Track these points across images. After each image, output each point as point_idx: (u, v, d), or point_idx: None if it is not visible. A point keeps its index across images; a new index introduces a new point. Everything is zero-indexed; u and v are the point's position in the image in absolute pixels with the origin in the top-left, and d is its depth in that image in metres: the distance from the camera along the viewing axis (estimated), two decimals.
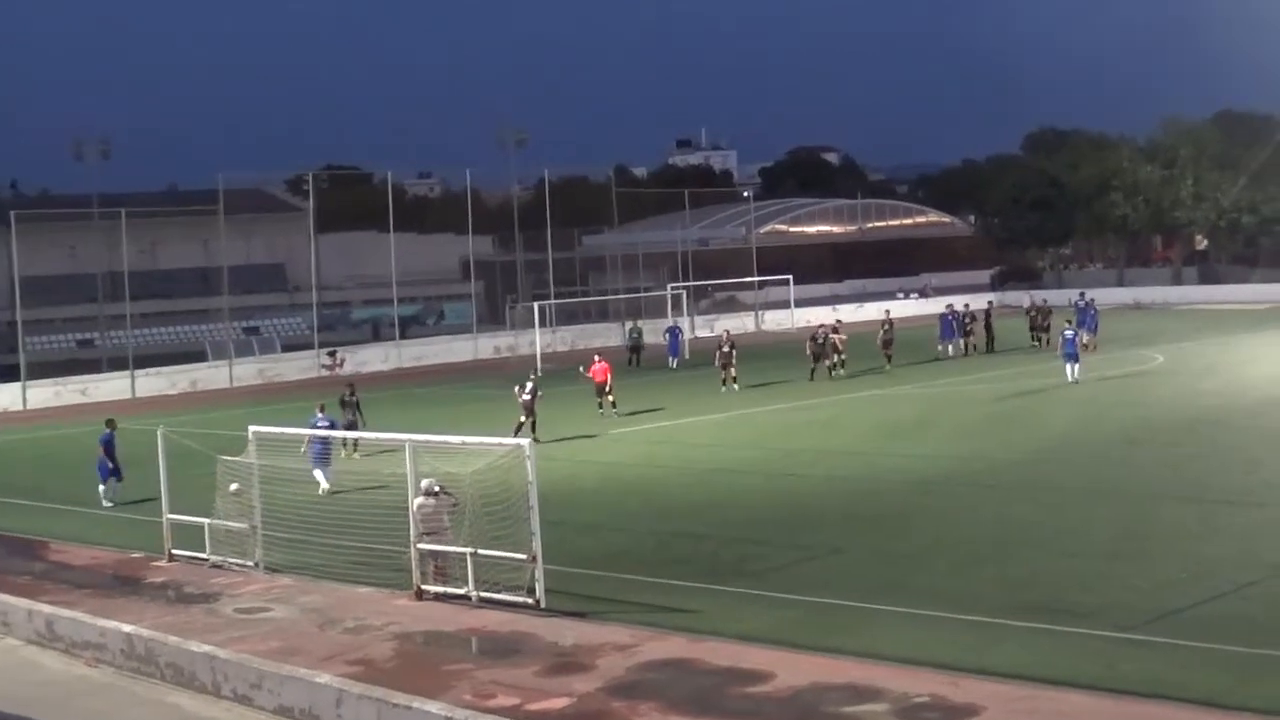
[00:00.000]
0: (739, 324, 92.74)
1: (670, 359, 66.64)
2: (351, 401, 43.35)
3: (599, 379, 48.70)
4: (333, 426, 36.69)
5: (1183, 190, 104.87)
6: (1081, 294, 69.67)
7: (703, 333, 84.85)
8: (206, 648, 21.53)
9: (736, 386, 54.19)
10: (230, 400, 63.75)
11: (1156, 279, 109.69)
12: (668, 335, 69.40)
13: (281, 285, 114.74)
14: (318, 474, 34.02)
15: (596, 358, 49.98)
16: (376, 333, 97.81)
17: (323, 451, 34.07)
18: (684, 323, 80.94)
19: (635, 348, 70.37)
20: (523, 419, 43.14)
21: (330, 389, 62.89)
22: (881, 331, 61.12)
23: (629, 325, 74.94)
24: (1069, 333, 52.94)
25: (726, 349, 55.47)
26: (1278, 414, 41.70)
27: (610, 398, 48.34)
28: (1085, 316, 63.61)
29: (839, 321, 62.21)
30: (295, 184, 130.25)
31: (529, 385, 44.04)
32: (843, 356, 57.78)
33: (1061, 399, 47.79)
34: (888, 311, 66.06)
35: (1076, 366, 51.85)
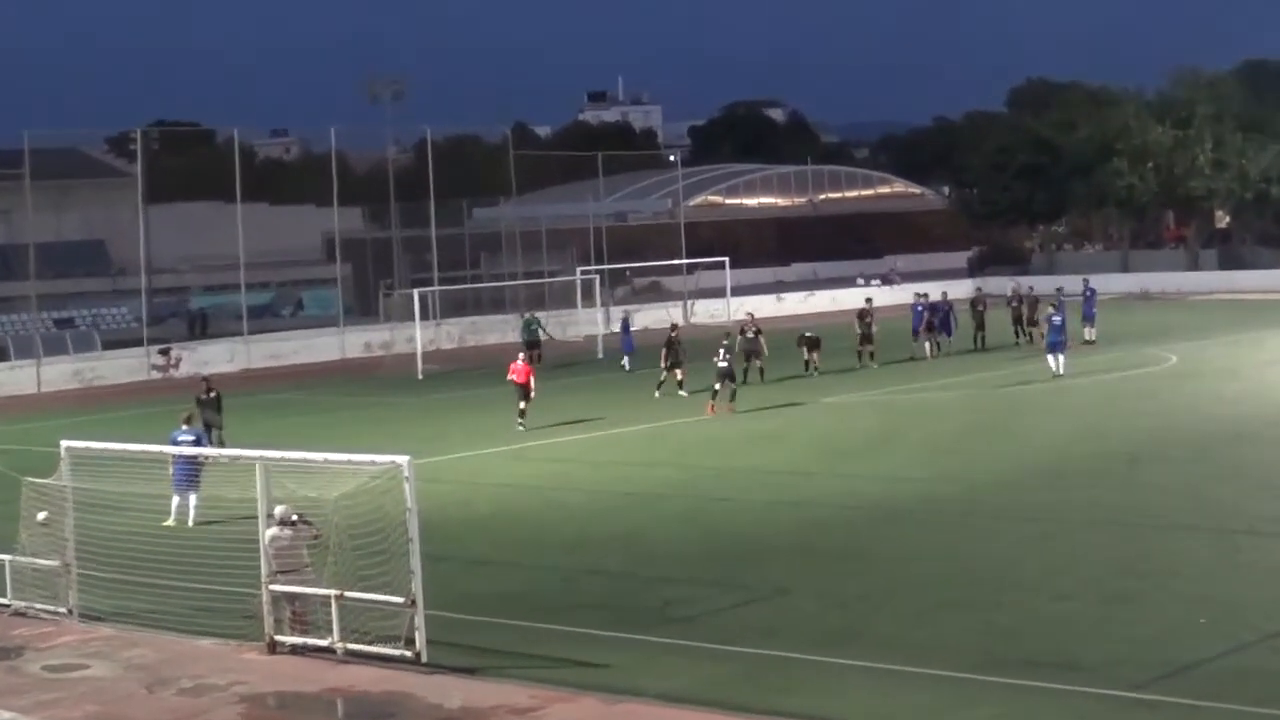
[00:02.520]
0: (664, 316, 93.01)
1: (625, 357, 65.55)
2: (210, 400, 43.74)
3: (521, 380, 48.36)
4: (199, 442, 36.47)
5: (1200, 156, 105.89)
6: (1085, 280, 70.72)
7: (619, 326, 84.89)
8: (7, 715, 21.30)
9: (684, 392, 53.72)
10: (38, 409, 63.13)
11: (1168, 263, 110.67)
12: (621, 329, 68.62)
13: (102, 267, 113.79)
14: (178, 500, 34.03)
15: (521, 356, 50.01)
16: (204, 325, 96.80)
17: (189, 473, 33.87)
18: (599, 315, 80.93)
19: (533, 344, 70.15)
20: (718, 386, 49.32)
21: (162, 394, 62.58)
22: (860, 324, 61.78)
23: (525, 317, 74.76)
24: (1056, 319, 55.31)
25: (677, 346, 55.24)
26: None
27: (522, 405, 47.94)
28: (1088, 306, 66.24)
29: (806, 335, 62.14)
30: (119, 143, 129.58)
31: (721, 351, 49.53)
32: (816, 362, 58.94)
33: (1052, 408, 48.19)
34: (869, 300, 66.62)
35: (1062, 358, 54.38)
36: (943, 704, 20.30)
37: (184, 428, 36.91)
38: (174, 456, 32.70)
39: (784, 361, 58.80)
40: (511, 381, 48.82)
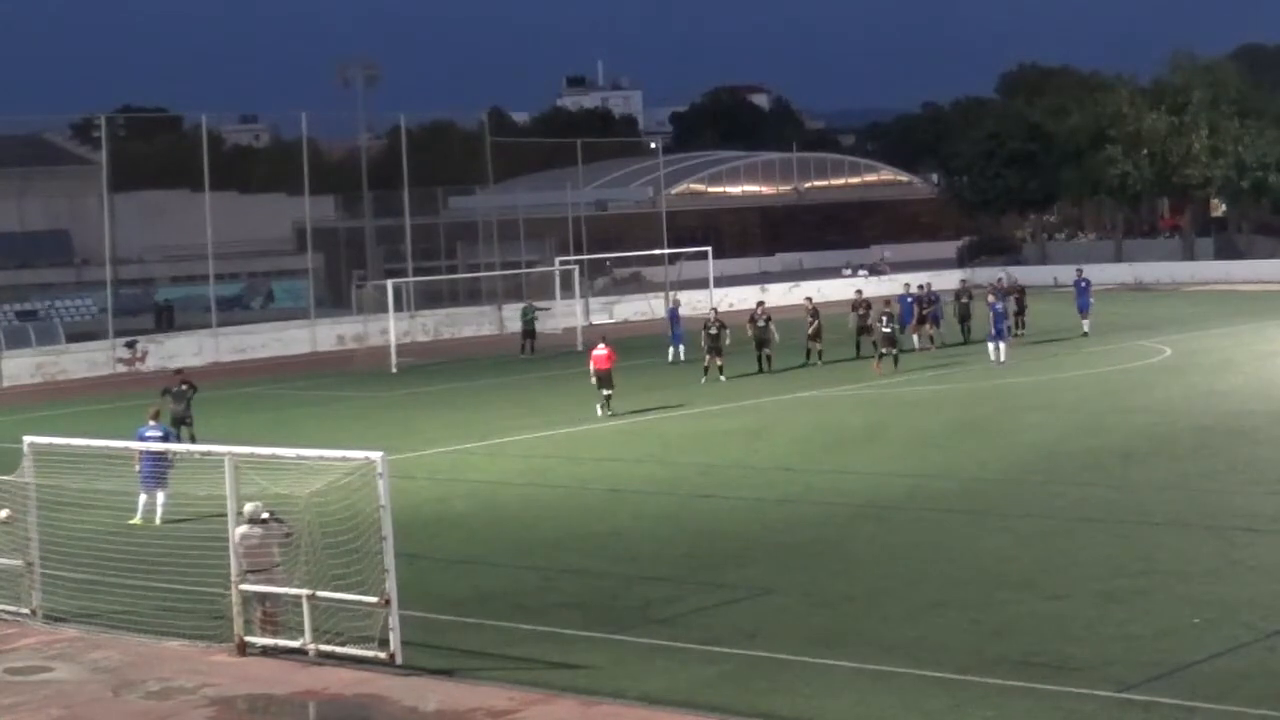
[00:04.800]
0: (645, 307, 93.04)
1: (673, 349, 64.48)
2: (181, 391, 43.82)
3: (599, 366, 49.07)
4: (167, 438, 36.39)
5: (1196, 143, 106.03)
6: (1078, 270, 71.29)
7: (599, 318, 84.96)
8: None
9: (723, 377, 55.94)
10: None
11: (1163, 252, 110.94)
12: (670, 317, 67.22)
13: (66, 258, 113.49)
14: (146, 499, 33.99)
15: (602, 341, 50.59)
16: (170, 318, 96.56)
17: (156, 471, 33.80)
18: (578, 306, 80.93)
19: (530, 333, 71.41)
20: (884, 350, 56.97)
21: (128, 389, 62.50)
22: (855, 315, 62.19)
23: (524, 305, 75.41)
24: (998, 306, 58.16)
25: (714, 330, 56.78)
26: None
27: (607, 394, 48.91)
28: (1083, 297, 67.96)
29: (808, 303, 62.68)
30: (83, 129, 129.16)
31: (885, 319, 57.19)
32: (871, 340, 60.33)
33: (1043, 402, 48.26)
34: (859, 291, 67.13)
35: (1003, 346, 57.34)
36: (932, 706, 20.33)
37: (151, 423, 36.89)
38: (140, 453, 32.70)
39: (790, 352, 60.00)
40: (593, 370, 49.51)
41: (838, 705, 20.55)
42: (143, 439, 34.69)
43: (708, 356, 56.80)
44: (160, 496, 34.02)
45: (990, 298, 59.96)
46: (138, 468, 33.41)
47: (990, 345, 57.65)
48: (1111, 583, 25.96)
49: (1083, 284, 68.35)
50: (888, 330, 57.38)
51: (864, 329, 61.89)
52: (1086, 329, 66.62)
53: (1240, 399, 46.76)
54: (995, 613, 24.58)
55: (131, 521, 32.94)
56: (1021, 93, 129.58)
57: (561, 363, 66.24)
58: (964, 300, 67.20)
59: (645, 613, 25.69)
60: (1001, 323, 58.01)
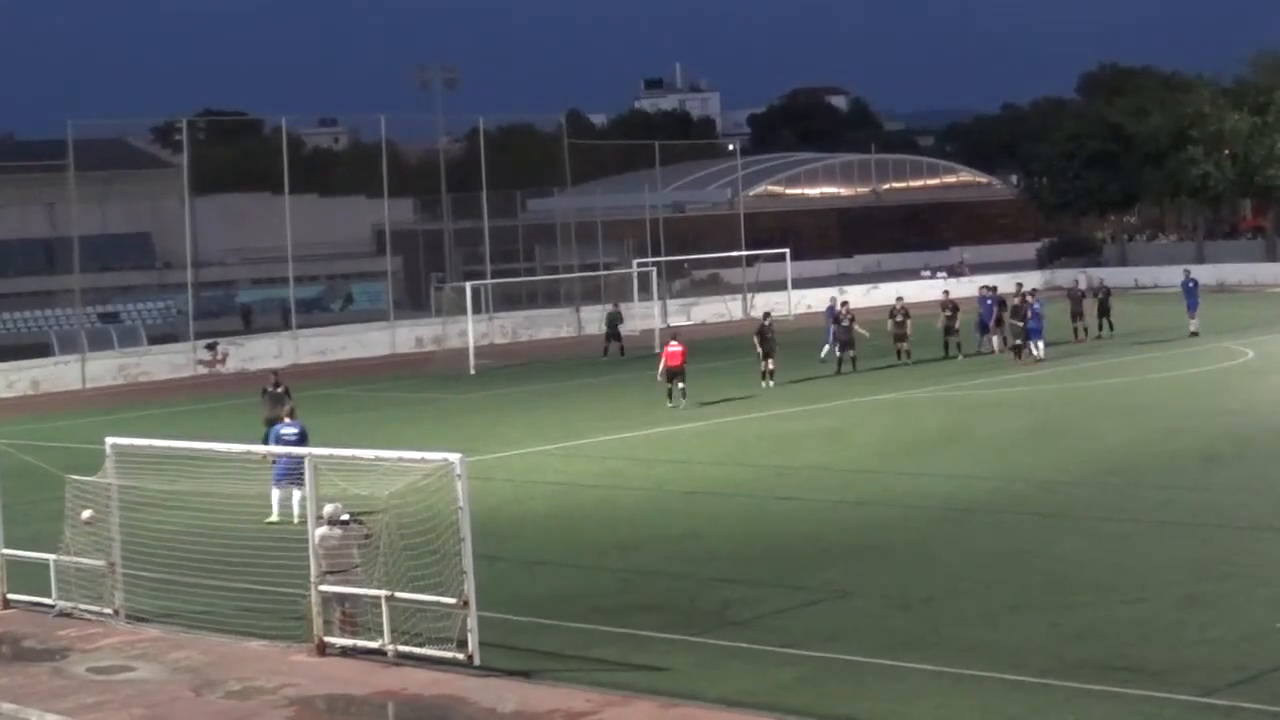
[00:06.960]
0: (723, 309, 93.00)
1: (830, 346, 62.42)
2: (277, 394, 43.95)
3: (673, 363, 50.76)
4: (303, 435, 35.73)
5: (1278, 143, 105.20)
6: (1186, 271, 71.16)
7: (677, 320, 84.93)
8: (52, 718, 21.37)
9: (772, 383, 55.17)
10: (82, 405, 63.55)
11: (1244, 254, 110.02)
12: (829, 315, 64.92)
13: (148, 260, 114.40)
14: (281, 495, 33.66)
15: (674, 339, 51.99)
16: (288, 317, 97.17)
17: (293, 467, 33.45)
18: (656, 308, 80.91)
19: (614, 335, 71.67)
20: (1018, 343, 58.81)
21: (209, 390, 62.87)
22: (943, 316, 62.13)
23: (608, 308, 75.70)
24: (1036, 306, 60.00)
25: (771, 335, 56.36)
26: None
27: (681, 385, 50.79)
28: (1190, 297, 68.08)
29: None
30: (165, 133, 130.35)
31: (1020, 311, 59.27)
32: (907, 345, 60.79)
33: (1124, 405, 47.96)
34: (947, 293, 67.09)
35: (1041, 344, 59.52)
36: (1012, 710, 20.25)
37: (286, 421, 36.81)
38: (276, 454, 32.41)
39: (877, 353, 60.40)
40: (665, 365, 51.18)
41: (917, 709, 20.48)
42: (278, 437, 34.89)
43: (762, 361, 55.85)
44: (296, 494, 33.35)
45: (1029, 298, 61.13)
46: (273, 463, 33.07)
47: (1030, 344, 59.44)
48: (1193, 586, 25.80)
49: (1190, 284, 68.19)
50: (1019, 324, 59.58)
51: (951, 330, 61.88)
52: (1193, 328, 66.53)
53: None
54: (1075, 616, 24.44)
55: (269, 520, 32.87)
56: (1101, 93, 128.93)
57: (639, 365, 66.27)
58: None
59: (723, 615, 25.68)
60: (1038, 322, 59.74)
